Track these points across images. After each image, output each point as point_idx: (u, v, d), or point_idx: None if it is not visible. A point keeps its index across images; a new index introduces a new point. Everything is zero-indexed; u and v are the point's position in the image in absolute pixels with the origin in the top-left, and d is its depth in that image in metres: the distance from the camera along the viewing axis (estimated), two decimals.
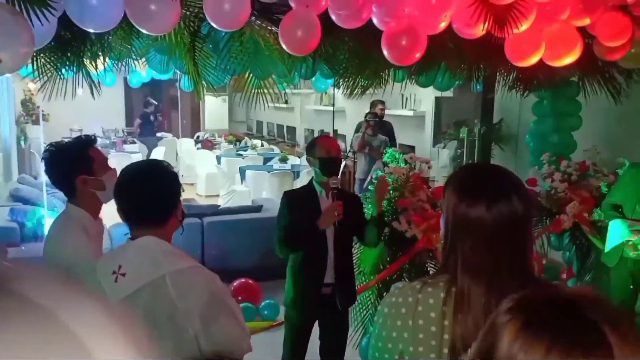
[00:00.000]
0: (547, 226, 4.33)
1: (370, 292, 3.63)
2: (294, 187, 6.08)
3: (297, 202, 3.01)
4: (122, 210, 1.63)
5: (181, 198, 1.69)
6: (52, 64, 2.84)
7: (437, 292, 1.29)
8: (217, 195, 9.03)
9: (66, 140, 2.29)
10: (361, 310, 3.62)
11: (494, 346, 0.67)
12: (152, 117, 12.58)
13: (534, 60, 2.91)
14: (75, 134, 12.22)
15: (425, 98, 7.68)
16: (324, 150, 2.96)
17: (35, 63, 2.82)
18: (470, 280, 1.26)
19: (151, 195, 1.60)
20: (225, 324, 1.58)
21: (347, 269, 3.08)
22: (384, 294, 2.18)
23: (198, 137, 13.20)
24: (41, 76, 2.90)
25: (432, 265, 3.51)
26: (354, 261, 3.32)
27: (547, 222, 4.37)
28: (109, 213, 2.13)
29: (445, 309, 1.26)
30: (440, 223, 1.39)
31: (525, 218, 1.26)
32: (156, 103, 12.85)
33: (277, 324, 4.33)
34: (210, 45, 3.26)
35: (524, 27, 2.67)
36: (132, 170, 1.66)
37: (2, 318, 0.37)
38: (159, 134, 12.93)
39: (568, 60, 2.94)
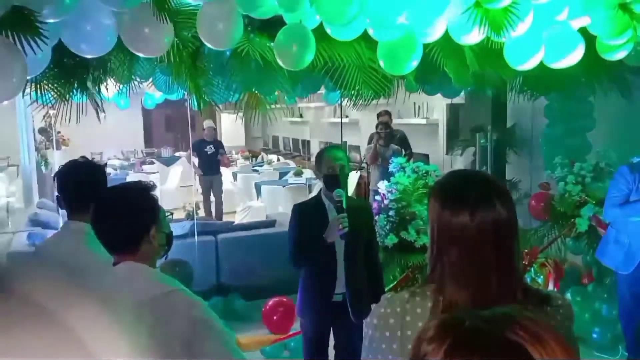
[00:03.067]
0: (563, 231, 4.25)
1: None
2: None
3: (306, 215, 3.02)
4: (97, 237, 1.64)
5: (170, 217, 1.68)
6: (55, 90, 2.90)
7: (425, 302, 1.27)
8: (234, 212, 9.08)
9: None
10: None
11: None
12: (211, 147, 8.74)
13: (534, 63, 2.87)
14: (96, 157, 12.45)
15: (437, 106, 7.64)
16: (326, 167, 2.95)
17: (40, 90, 2.89)
18: (456, 289, 1.23)
19: (114, 222, 1.60)
20: (210, 349, 1.54)
21: (360, 280, 3.04)
22: None
23: None
24: (47, 102, 2.97)
25: None
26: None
27: (563, 226, 4.29)
28: None
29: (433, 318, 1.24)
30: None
31: (509, 224, 1.24)
32: (214, 127, 9.18)
33: (291, 335, 4.31)
34: (212, 65, 3.30)
35: (521, 30, 2.64)
36: (100, 197, 1.66)
37: (3, 318, 0.37)
38: (177, 154, 13.01)
39: (570, 62, 2.90)
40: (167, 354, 1.48)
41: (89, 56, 2.40)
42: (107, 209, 1.61)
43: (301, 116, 12.32)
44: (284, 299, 4.82)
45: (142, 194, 1.64)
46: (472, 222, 1.22)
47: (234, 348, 1.62)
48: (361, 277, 3.07)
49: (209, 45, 2.50)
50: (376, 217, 3.49)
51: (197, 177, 9.08)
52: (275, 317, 4.71)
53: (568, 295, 4.14)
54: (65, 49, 2.43)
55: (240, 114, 4.07)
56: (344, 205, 2.88)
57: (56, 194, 2.27)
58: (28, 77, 2.18)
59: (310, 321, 3.08)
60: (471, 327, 0.62)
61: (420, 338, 0.67)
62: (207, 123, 9.05)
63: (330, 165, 2.95)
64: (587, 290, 4.36)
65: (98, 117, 3.26)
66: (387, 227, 3.42)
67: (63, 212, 5.95)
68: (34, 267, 0.45)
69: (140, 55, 2.45)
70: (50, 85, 2.95)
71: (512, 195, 1.32)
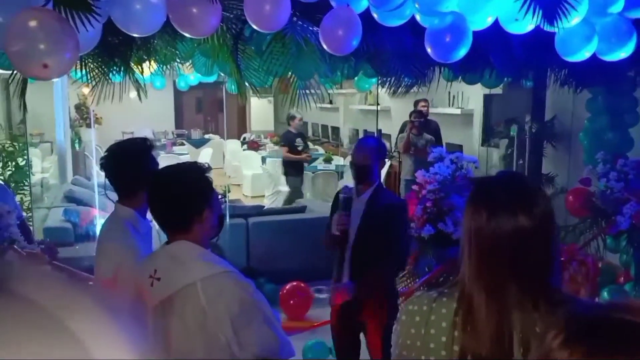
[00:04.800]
0: (603, 228, 4.15)
1: None
2: (338, 188, 6.03)
3: (335, 203, 3.06)
4: (152, 215, 1.65)
5: (222, 199, 1.68)
6: (99, 68, 2.92)
7: (451, 302, 1.27)
8: (263, 196, 9.12)
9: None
10: None
11: None
12: (300, 141, 7.61)
13: (586, 55, 2.78)
14: (127, 137, 12.59)
15: (473, 96, 7.49)
16: (352, 157, 3.04)
17: (83, 68, 2.91)
18: (476, 291, 1.23)
19: (168, 202, 1.61)
20: (258, 331, 1.56)
21: (365, 275, 2.90)
22: None
23: (244, 138, 13.37)
24: (90, 81, 2.99)
25: None
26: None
27: (603, 224, 4.19)
28: None
29: (457, 319, 1.23)
30: None
31: (534, 233, 1.19)
32: (301, 117, 7.77)
33: (322, 323, 4.31)
34: (253, 47, 3.28)
35: (574, 20, 2.56)
36: (157, 176, 1.67)
37: (4, 319, 0.37)
38: (206, 136, 13.08)
39: (622, 54, 2.80)
40: (217, 333, 1.50)
41: (136, 35, 2.40)
42: (162, 189, 1.62)
43: (331, 102, 12.25)
44: (302, 284, 4.80)
45: (197, 175, 1.65)
46: (487, 227, 1.20)
47: (280, 331, 1.63)
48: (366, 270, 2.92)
49: (255, 27, 2.47)
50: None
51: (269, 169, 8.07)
52: (291, 302, 4.72)
53: (605, 295, 4.05)
54: (109, 27, 2.43)
55: (271, 98, 4.05)
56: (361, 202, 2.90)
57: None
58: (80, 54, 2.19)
59: (332, 309, 3.13)
60: (612, 320, 0.59)
61: (547, 346, 0.64)
62: (296, 112, 7.30)
63: (353, 156, 3.06)
64: (624, 290, 4.25)
65: (139, 97, 3.28)
66: (424, 218, 3.39)
67: (99, 189, 5.98)
68: (33, 266, 0.44)
69: (187, 35, 2.43)
70: (93, 63, 2.96)
71: (547, 205, 1.25)
